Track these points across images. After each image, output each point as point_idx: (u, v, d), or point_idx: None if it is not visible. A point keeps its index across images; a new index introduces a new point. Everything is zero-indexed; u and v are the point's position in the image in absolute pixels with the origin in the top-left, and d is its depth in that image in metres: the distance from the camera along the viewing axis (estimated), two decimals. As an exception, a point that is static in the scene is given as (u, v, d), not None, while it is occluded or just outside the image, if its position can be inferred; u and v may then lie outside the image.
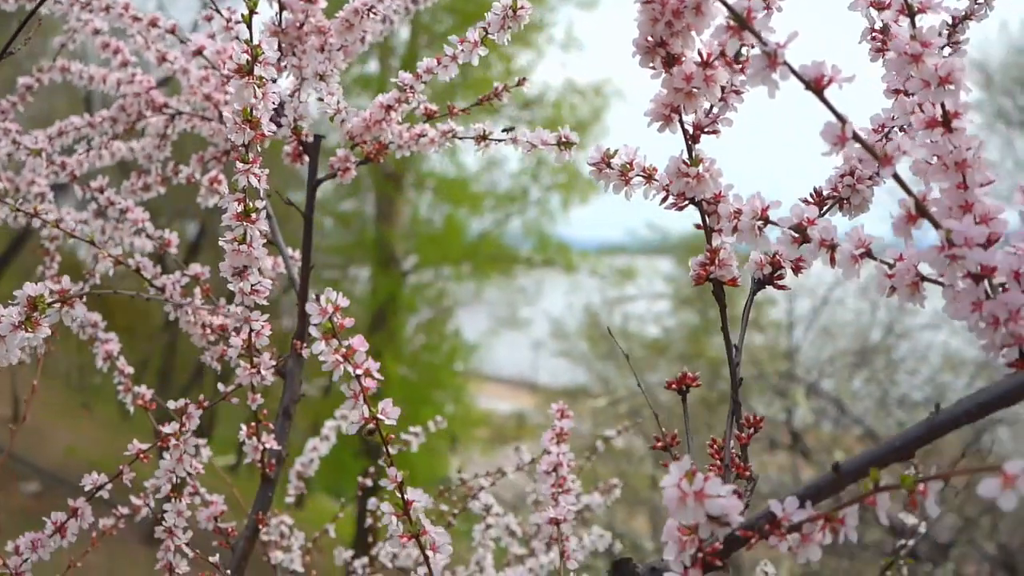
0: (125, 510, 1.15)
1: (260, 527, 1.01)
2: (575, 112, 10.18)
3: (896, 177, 0.53)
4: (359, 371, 0.64)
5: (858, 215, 0.70)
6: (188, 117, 1.22)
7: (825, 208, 0.71)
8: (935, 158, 0.56)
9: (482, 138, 0.99)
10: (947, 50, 0.75)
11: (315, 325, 0.63)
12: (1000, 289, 0.53)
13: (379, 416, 0.65)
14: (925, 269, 0.57)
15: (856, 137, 0.52)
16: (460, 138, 1.01)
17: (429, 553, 0.66)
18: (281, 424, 1.03)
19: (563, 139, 0.85)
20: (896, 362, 6.85)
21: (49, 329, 0.69)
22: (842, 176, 0.70)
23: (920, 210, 0.53)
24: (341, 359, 0.63)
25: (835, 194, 0.71)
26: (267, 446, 0.99)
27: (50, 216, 0.97)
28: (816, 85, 0.52)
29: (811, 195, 0.71)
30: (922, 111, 0.56)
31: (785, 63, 0.51)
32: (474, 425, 11.36)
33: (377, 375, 0.64)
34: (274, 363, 0.93)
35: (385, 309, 11.00)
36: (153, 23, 1.13)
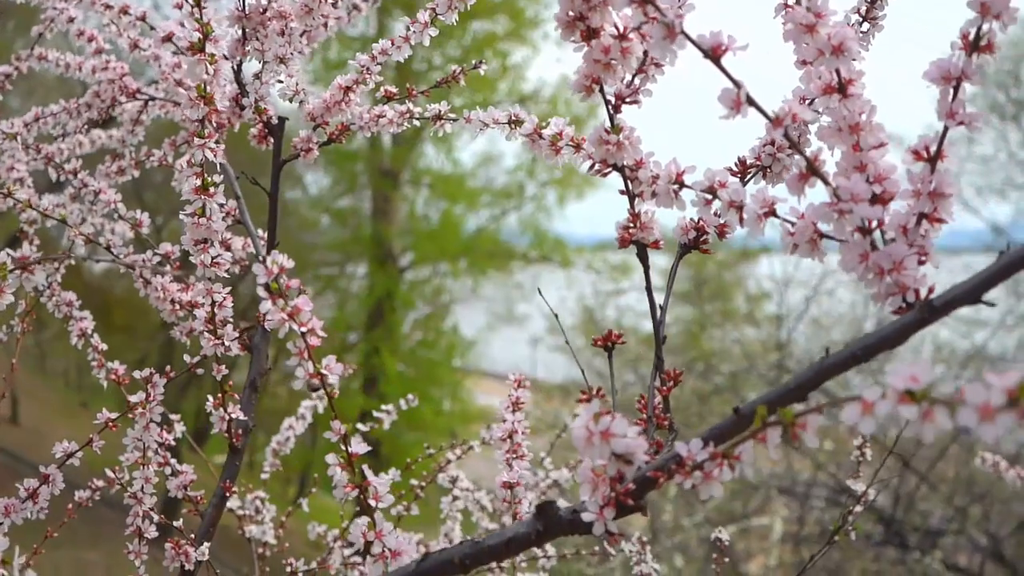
0: (100, 482, 1.19)
1: (227, 494, 1.05)
2: (571, 108, 10.21)
3: (787, 137, 0.56)
4: (304, 329, 0.68)
5: (779, 183, 0.74)
6: (161, 103, 1.26)
7: (749, 176, 0.75)
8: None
9: (437, 118, 1.03)
10: (865, 25, 0.79)
11: (261, 285, 0.67)
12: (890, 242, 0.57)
13: (323, 371, 0.69)
14: (824, 227, 0.61)
15: (750, 101, 0.56)
16: (418, 118, 1.05)
17: (372, 502, 0.70)
18: (248, 396, 1.07)
19: (513, 118, 0.89)
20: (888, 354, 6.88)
21: (12, 297, 0.73)
22: (764, 145, 0.74)
23: (812, 169, 0.57)
24: (287, 317, 0.67)
25: (758, 163, 0.74)
26: (233, 416, 1.03)
27: (22, 195, 1.00)
28: (714, 53, 0.56)
29: (735, 163, 0.75)
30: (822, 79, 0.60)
31: (683, 33, 0.55)
32: (472, 421, 11.39)
33: (321, 333, 0.68)
34: (237, 335, 0.97)
35: (382, 305, 11.04)
36: (124, 11, 1.17)
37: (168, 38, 1.13)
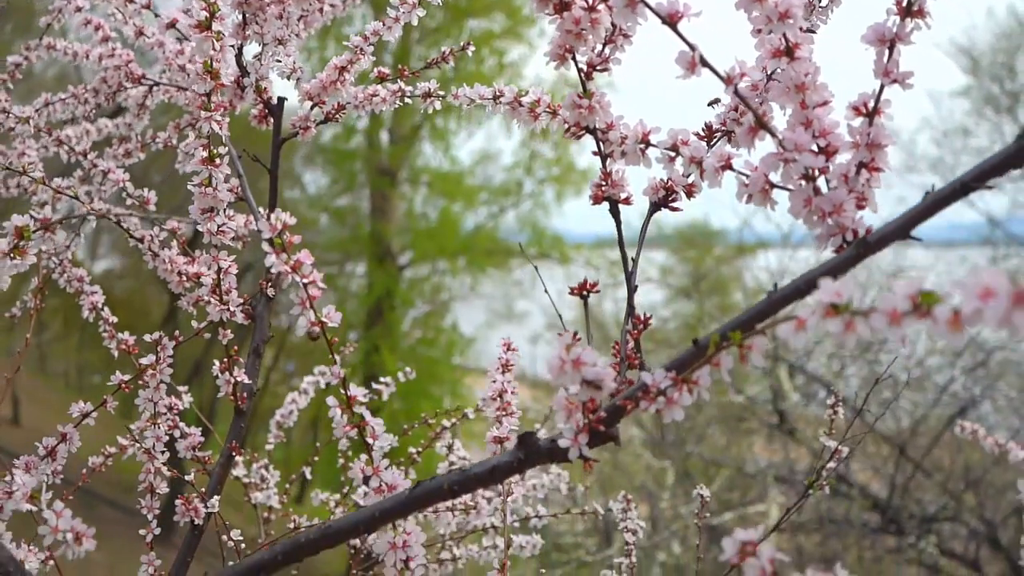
0: (112, 449, 1.25)
1: (234, 454, 1.11)
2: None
3: (738, 95, 0.63)
4: (306, 280, 0.74)
5: (743, 146, 0.80)
6: (165, 88, 1.32)
7: (715, 140, 0.81)
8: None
9: (427, 95, 1.09)
10: (825, 1, 0.85)
11: (266, 240, 0.73)
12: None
13: (324, 319, 0.75)
14: (774, 178, 0.67)
15: (703, 62, 0.62)
16: (409, 97, 1.11)
17: (370, 440, 0.76)
18: (252, 361, 1.13)
19: (497, 94, 0.95)
20: (882, 343, 6.94)
21: (34, 257, 0.79)
22: (729, 111, 0.80)
23: (760, 123, 0.63)
24: (290, 269, 0.73)
25: (723, 128, 0.81)
26: (239, 380, 1.09)
27: (37, 174, 1.06)
28: (671, 20, 0.62)
29: (703, 128, 0.81)
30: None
31: (642, 1, 0.61)
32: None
33: (322, 284, 0.75)
34: (242, 300, 1.03)
35: (382, 304, 11.10)
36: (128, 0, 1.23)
37: (172, 24, 1.19)
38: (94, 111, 1.34)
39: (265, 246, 0.74)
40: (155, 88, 1.33)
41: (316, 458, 1.58)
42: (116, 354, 1.19)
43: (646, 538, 6.49)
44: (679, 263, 12.05)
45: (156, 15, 1.21)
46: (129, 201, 1.21)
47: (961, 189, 0.57)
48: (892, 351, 7.32)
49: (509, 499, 1.22)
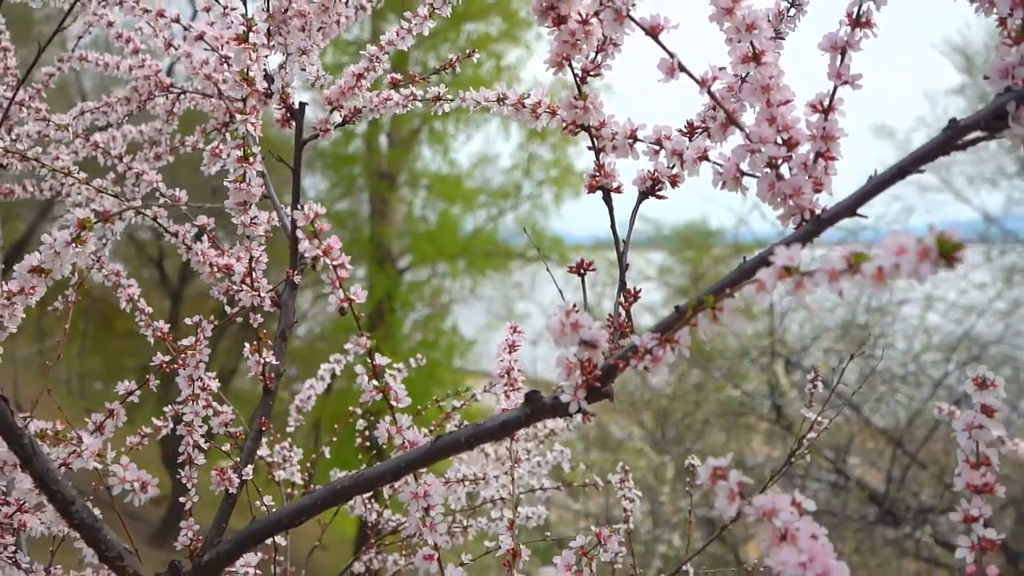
0: (148, 429, 1.35)
1: (263, 429, 1.21)
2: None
3: (711, 95, 0.73)
4: (335, 263, 0.84)
5: (717, 140, 0.91)
6: (191, 95, 1.43)
7: (696, 135, 0.91)
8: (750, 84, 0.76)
9: (437, 98, 1.19)
10: (792, 11, 0.96)
11: (299, 227, 0.83)
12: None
13: (352, 297, 0.85)
14: (744, 167, 0.77)
15: (681, 68, 0.72)
16: (420, 100, 1.21)
17: (393, 403, 0.87)
18: (279, 345, 1.24)
19: (501, 96, 1.05)
20: (879, 337, 7.05)
21: (93, 245, 0.89)
22: (707, 110, 0.91)
23: (730, 119, 0.73)
24: (321, 253, 0.84)
25: (703, 124, 0.91)
26: (267, 361, 1.20)
27: (81, 175, 1.16)
28: (653, 31, 0.73)
29: (685, 125, 0.92)
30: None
31: (629, 16, 0.72)
32: (474, 419, 11.47)
33: (349, 266, 0.85)
34: (271, 288, 1.13)
35: (382, 307, 11.20)
36: (160, 14, 1.33)
37: (200, 36, 1.29)
38: (125, 118, 1.45)
39: (299, 233, 0.84)
40: (182, 96, 1.43)
41: (335, 439, 1.68)
42: (152, 340, 1.30)
43: (647, 532, 6.58)
44: (678, 263, 12.15)
45: (185, 28, 1.32)
46: (161, 200, 1.31)
47: (898, 173, 0.67)
48: (888, 346, 7.43)
49: (516, 470, 1.32)
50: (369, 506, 1.61)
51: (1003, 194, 9.03)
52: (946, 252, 0.48)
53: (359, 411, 1.57)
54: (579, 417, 0.78)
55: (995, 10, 0.69)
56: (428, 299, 12.35)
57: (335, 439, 1.70)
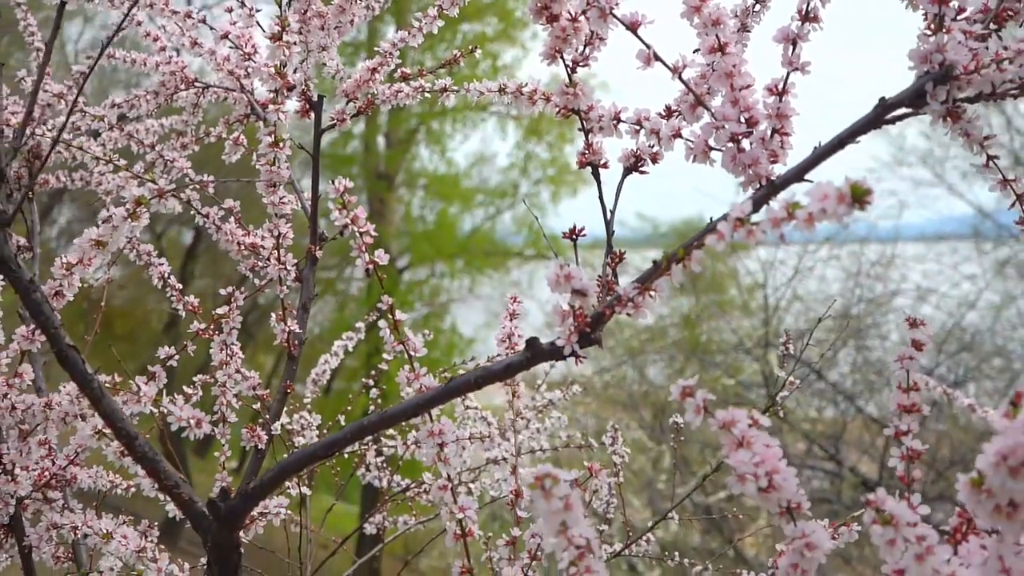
0: (180, 395, 1.47)
1: (288, 391, 1.34)
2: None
3: (682, 80, 0.86)
4: (362, 230, 0.97)
5: (688, 121, 1.03)
6: (215, 90, 1.55)
7: (672, 117, 1.04)
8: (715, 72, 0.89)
9: (444, 90, 1.32)
10: (758, 6, 1.08)
11: (331, 199, 0.96)
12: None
13: (376, 260, 0.98)
14: (711, 143, 0.90)
15: (656, 57, 0.85)
16: (428, 92, 1.34)
17: (412, 352, 1.00)
18: (301, 315, 1.36)
19: (502, 87, 1.18)
20: (868, 328, 7.19)
21: (147, 219, 1.02)
22: (682, 95, 1.03)
23: (698, 101, 0.86)
24: (350, 221, 0.96)
25: (678, 108, 1.03)
26: (292, 329, 1.32)
27: (121, 162, 1.29)
28: (632, 26, 0.85)
29: (664, 108, 1.04)
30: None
31: (612, 13, 0.85)
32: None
33: (373, 233, 0.98)
34: (296, 261, 1.26)
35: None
36: (188, 15, 1.46)
37: (225, 35, 1.42)
38: (154, 111, 1.57)
39: (331, 204, 0.97)
40: (206, 90, 1.56)
41: (349, 408, 1.81)
42: (184, 314, 1.42)
43: (642, 521, 6.71)
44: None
45: (211, 28, 1.44)
46: (191, 185, 1.44)
47: (838, 144, 0.80)
48: (882, 336, 7.57)
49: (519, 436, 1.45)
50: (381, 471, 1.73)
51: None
52: (858, 196, 0.61)
53: (371, 382, 1.70)
54: (572, 360, 0.90)
55: (920, 6, 0.82)
56: (427, 298, 12.46)
57: (349, 408, 1.83)
